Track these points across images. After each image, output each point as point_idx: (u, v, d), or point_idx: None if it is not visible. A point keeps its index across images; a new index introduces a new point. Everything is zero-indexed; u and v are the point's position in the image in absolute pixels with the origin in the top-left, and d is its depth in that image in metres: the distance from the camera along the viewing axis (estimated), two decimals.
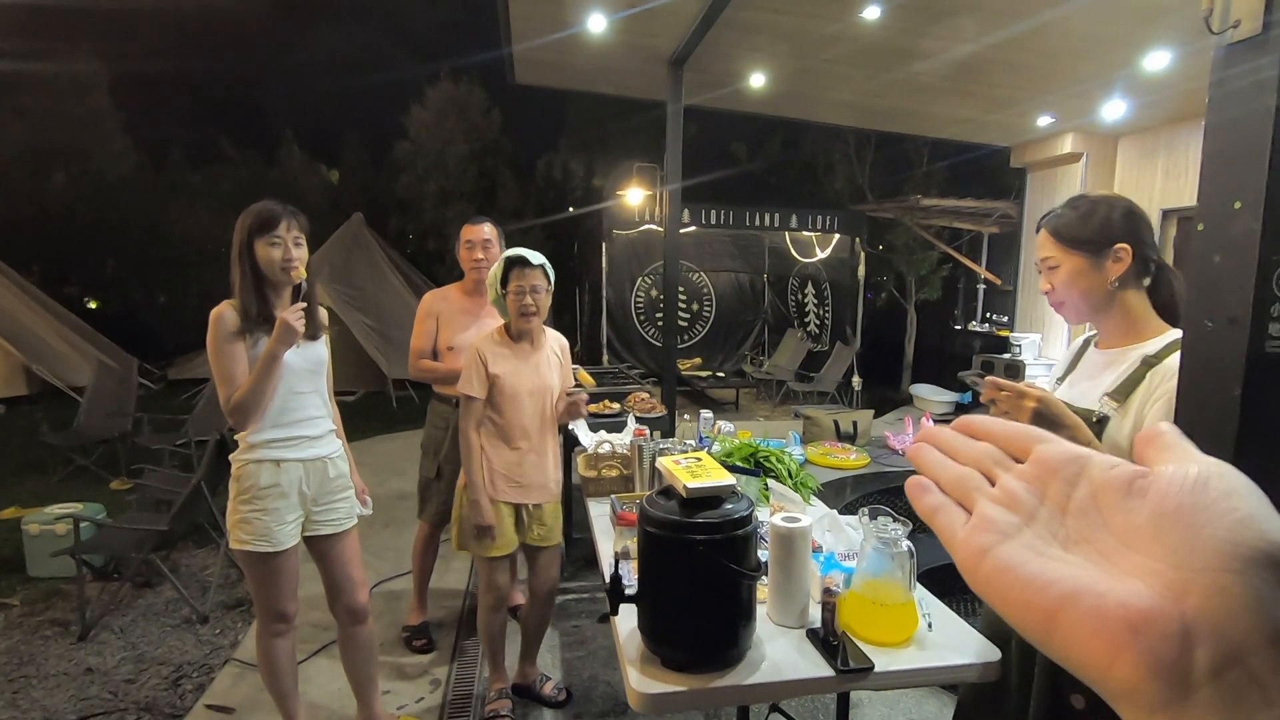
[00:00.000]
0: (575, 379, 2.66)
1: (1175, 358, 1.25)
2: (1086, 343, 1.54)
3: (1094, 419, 1.33)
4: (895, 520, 1.46)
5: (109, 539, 3.26)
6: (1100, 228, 1.37)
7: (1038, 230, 1.48)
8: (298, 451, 2.00)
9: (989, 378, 1.39)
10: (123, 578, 3.36)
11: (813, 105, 5.96)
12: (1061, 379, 1.53)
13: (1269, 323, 0.93)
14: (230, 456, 2.02)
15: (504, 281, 2.27)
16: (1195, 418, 1.01)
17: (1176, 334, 1.32)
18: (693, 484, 1.33)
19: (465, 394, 2.25)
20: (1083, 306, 1.42)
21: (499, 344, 2.31)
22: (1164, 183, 5.73)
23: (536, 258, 2.28)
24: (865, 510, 1.50)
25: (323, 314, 2.16)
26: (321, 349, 2.11)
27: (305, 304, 1.93)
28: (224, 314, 1.92)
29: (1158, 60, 4.32)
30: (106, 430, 5.41)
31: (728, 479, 1.36)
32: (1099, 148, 6.18)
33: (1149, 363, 1.32)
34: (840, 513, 1.95)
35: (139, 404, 5.93)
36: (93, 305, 12.92)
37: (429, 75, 12.85)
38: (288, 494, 1.98)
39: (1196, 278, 1.01)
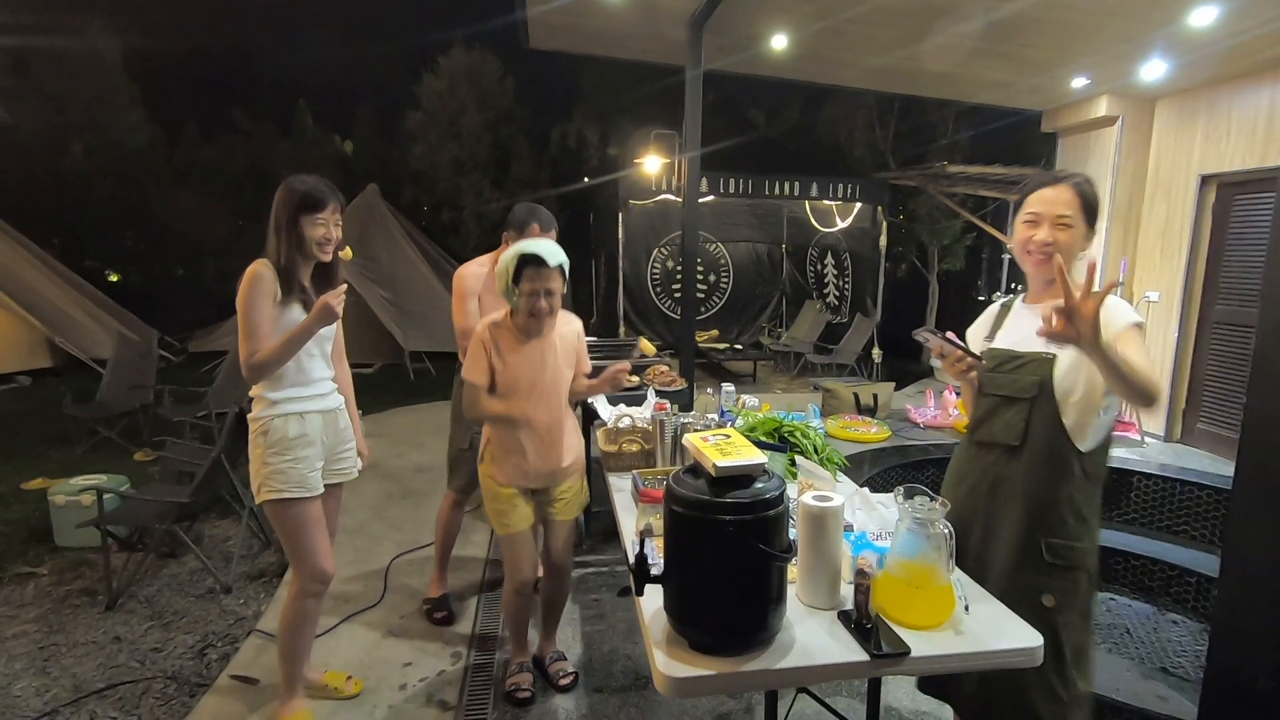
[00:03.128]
0: (639, 351, 2.57)
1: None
2: (1005, 305, 1.77)
3: (1046, 358, 1.53)
4: (932, 499, 1.40)
5: (132, 510, 3.28)
6: (1097, 207, 1.57)
7: (1053, 184, 1.56)
8: (317, 404, 2.11)
9: (948, 335, 1.58)
10: (147, 548, 3.39)
11: (835, 69, 5.76)
12: (990, 337, 1.73)
13: None
14: (249, 416, 2.06)
15: (515, 278, 2.10)
16: (1272, 395, 0.93)
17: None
18: (722, 463, 1.27)
19: (469, 380, 2.16)
20: (1063, 266, 1.40)
21: (502, 332, 2.18)
22: (1203, 147, 5.49)
23: (554, 257, 2.09)
24: (900, 489, 1.44)
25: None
26: None
27: (346, 284, 2.05)
28: (262, 273, 1.97)
29: (1204, 15, 4.10)
30: (128, 402, 5.46)
31: (759, 457, 1.31)
32: (1135, 111, 5.93)
33: None
34: (860, 487, 1.89)
35: (160, 376, 5.99)
36: (113, 278, 13.04)
37: (442, 43, 12.63)
38: (314, 442, 2.09)
39: (1278, 245, 0.93)
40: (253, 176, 12.76)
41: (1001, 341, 1.69)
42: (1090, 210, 1.54)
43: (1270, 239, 0.96)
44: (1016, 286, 8.30)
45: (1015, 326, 1.68)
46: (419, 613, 2.97)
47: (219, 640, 2.80)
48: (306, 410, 2.08)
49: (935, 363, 8.22)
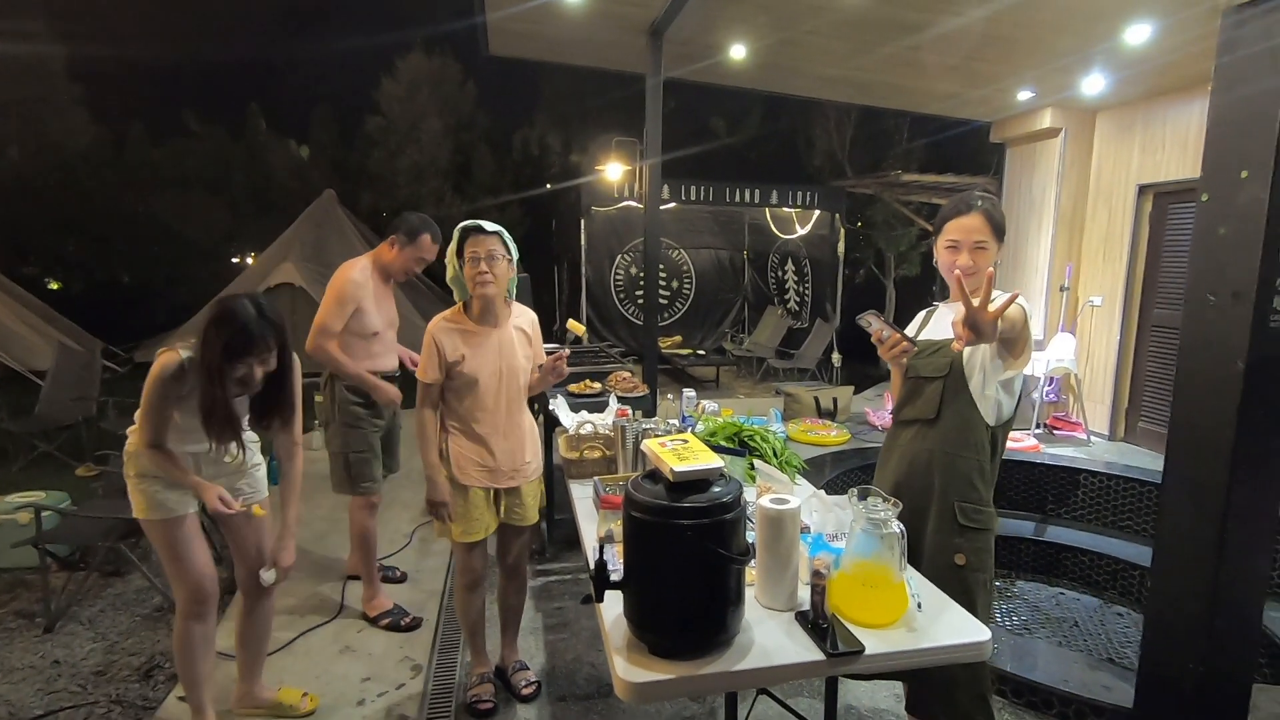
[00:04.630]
0: (566, 329, 2.58)
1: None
2: (929, 311, 1.99)
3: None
4: (885, 500, 1.43)
5: (73, 528, 3.15)
6: (1004, 226, 1.74)
7: (965, 212, 1.72)
8: (177, 449, 2.02)
9: (883, 323, 1.70)
10: (89, 567, 3.26)
11: (794, 78, 5.86)
12: (917, 333, 1.95)
13: (1275, 297, 0.90)
14: (129, 430, 2.01)
15: (459, 251, 2.17)
16: (1194, 393, 0.99)
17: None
18: (679, 467, 1.29)
19: (420, 380, 2.18)
20: (991, 277, 1.59)
21: (456, 326, 2.19)
22: (1141, 158, 5.75)
23: (491, 225, 2.17)
24: (855, 491, 1.47)
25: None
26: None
27: (244, 506, 2.04)
28: (172, 372, 1.88)
29: (1139, 33, 4.29)
30: (70, 415, 5.24)
31: (715, 462, 1.32)
32: (1077, 123, 6.18)
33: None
34: (818, 489, 1.94)
35: (104, 387, 5.76)
36: (54, 286, 12.49)
37: (401, 47, 12.49)
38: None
39: (1199, 251, 0.98)
40: (204, 181, 12.40)
41: (925, 336, 1.93)
42: (999, 230, 1.73)
43: (1190, 254, 1.01)
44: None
45: (936, 323, 1.92)
46: (378, 627, 2.91)
47: (166, 661, 2.70)
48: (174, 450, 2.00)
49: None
